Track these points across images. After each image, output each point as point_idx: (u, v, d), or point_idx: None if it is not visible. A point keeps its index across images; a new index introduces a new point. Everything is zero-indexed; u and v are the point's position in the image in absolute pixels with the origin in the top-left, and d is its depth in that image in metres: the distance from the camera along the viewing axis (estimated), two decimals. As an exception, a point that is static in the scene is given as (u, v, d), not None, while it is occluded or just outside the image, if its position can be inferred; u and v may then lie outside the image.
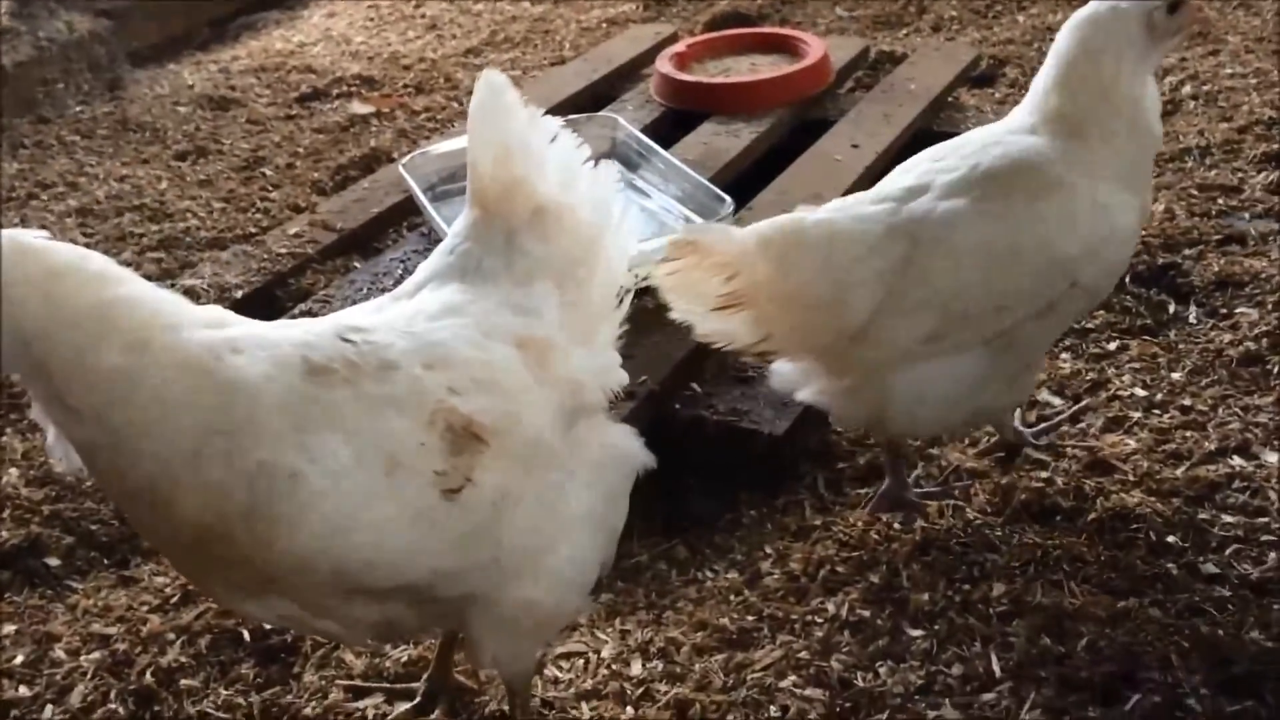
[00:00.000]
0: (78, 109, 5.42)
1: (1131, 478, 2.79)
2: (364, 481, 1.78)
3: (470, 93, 5.08)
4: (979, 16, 5.76)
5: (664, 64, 4.46)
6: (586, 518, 2.08)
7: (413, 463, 1.82)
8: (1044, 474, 2.82)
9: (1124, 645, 2.32)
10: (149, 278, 1.91)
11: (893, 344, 2.48)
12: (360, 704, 2.36)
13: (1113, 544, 2.61)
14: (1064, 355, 3.28)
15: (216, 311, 1.90)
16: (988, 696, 2.28)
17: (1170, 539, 2.60)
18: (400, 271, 3.50)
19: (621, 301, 2.16)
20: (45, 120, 5.29)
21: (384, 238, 3.95)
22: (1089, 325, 3.34)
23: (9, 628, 2.62)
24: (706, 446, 2.95)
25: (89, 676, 2.45)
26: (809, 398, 2.68)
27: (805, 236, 2.47)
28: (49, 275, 1.69)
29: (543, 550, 2.01)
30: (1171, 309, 3.40)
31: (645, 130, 4.05)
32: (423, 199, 3.55)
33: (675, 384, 3.00)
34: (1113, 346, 3.29)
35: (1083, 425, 2.99)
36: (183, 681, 2.41)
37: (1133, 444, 2.89)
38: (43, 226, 1.71)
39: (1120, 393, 3.09)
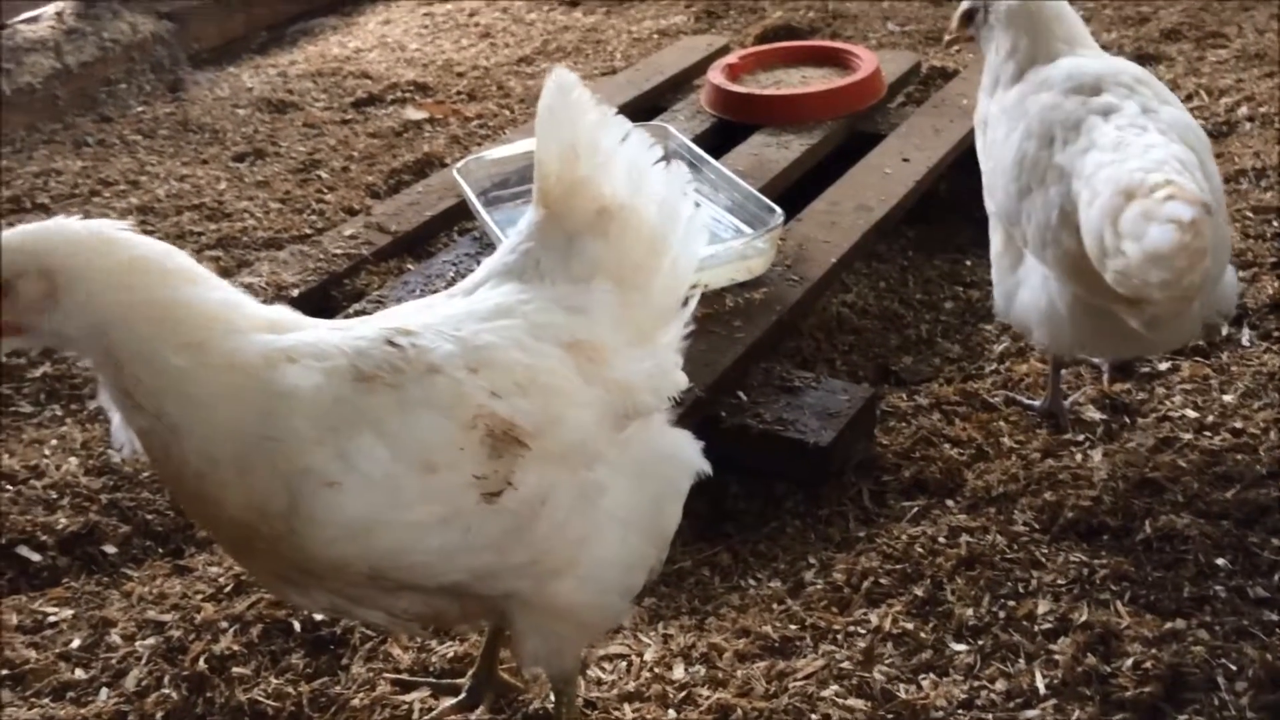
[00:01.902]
0: (140, 109, 5.54)
1: (1181, 499, 2.77)
2: (400, 484, 1.81)
3: (522, 100, 5.10)
4: (1032, 34, 5.73)
5: (716, 75, 4.48)
6: (632, 521, 2.07)
7: (451, 466, 1.84)
8: (1092, 493, 2.81)
9: (1170, 665, 2.31)
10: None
11: (1226, 239, 2.76)
12: (407, 697, 2.40)
13: (1160, 564, 2.60)
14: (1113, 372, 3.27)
15: (282, 313, 1.94)
16: (1031, 713, 2.28)
17: (1219, 561, 2.58)
18: (452, 274, 3.55)
19: (686, 304, 2.15)
20: (108, 119, 5.41)
21: (436, 241, 4.00)
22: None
23: (67, 612, 2.68)
24: (751, 455, 2.97)
25: (144, 661, 2.50)
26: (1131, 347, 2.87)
27: (1183, 161, 2.53)
28: (130, 267, 1.76)
29: (584, 552, 2.01)
30: (1224, 330, 3.37)
31: (695, 141, 4.07)
32: (476, 203, 3.60)
33: (721, 391, 3.02)
34: (1164, 367, 3.27)
35: (1133, 444, 2.98)
36: (234, 669, 2.46)
37: (1183, 465, 2.87)
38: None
39: (1171, 414, 3.08)
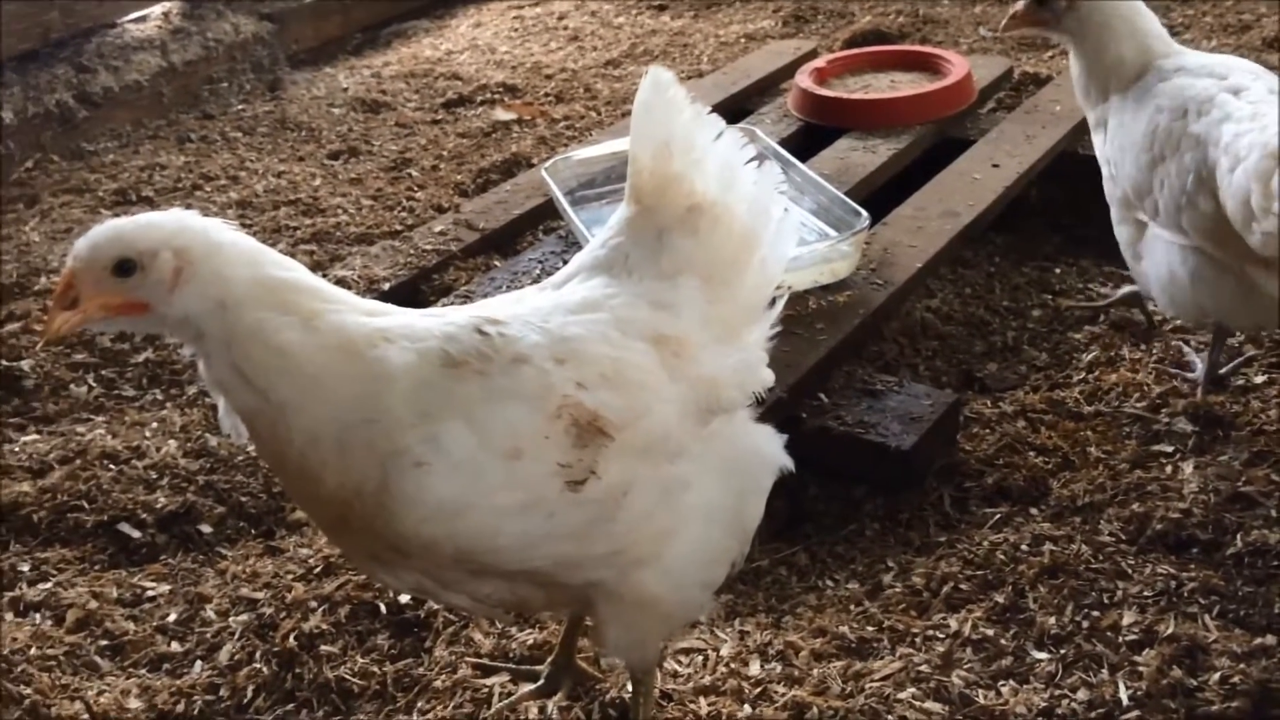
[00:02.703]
0: (240, 107, 5.71)
1: (1274, 514, 2.71)
2: (485, 470, 1.85)
3: (609, 102, 5.13)
4: (1128, 40, 5.63)
5: (803, 79, 4.47)
6: (715, 515, 2.10)
7: (536, 454, 1.88)
8: (1181, 505, 2.75)
9: (1259, 682, 2.26)
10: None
11: None
12: (487, 681, 2.45)
13: (1251, 580, 2.54)
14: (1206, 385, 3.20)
15: (375, 305, 2.00)
16: (1113, 724, 2.25)
17: (1314, 578, 2.52)
18: (538, 271, 3.60)
19: (774, 304, 2.16)
20: (210, 116, 5.60)
21: (522, 239, 4.07)
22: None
23: (164, 587, 2.79)
24: (831, 457, 2.96)
25: (236, 637, 2.60)
26: None
27: None
28: (254, 247, 1.88)
29: (667, 544, 2.04)
30: (1323, 344, 3.29)
31: (782, 144, 4.07)
32: (563, 202, 3.65)
33: (802, 393, 3.02)
34: (1260, 380, 3.20)
35: (1225, 457, 2.91)
36: (322, 647, 2.53)
37: (1277, 479, 2.80)
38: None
39: (1266, 427, 3.00)
